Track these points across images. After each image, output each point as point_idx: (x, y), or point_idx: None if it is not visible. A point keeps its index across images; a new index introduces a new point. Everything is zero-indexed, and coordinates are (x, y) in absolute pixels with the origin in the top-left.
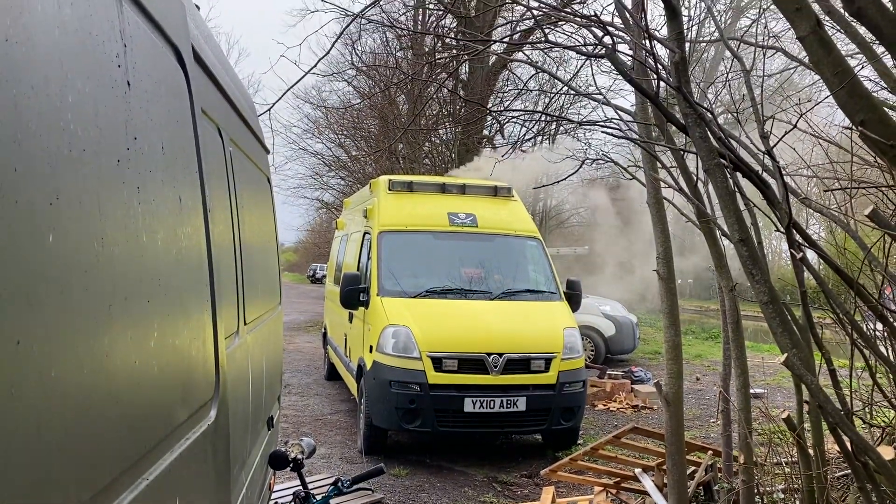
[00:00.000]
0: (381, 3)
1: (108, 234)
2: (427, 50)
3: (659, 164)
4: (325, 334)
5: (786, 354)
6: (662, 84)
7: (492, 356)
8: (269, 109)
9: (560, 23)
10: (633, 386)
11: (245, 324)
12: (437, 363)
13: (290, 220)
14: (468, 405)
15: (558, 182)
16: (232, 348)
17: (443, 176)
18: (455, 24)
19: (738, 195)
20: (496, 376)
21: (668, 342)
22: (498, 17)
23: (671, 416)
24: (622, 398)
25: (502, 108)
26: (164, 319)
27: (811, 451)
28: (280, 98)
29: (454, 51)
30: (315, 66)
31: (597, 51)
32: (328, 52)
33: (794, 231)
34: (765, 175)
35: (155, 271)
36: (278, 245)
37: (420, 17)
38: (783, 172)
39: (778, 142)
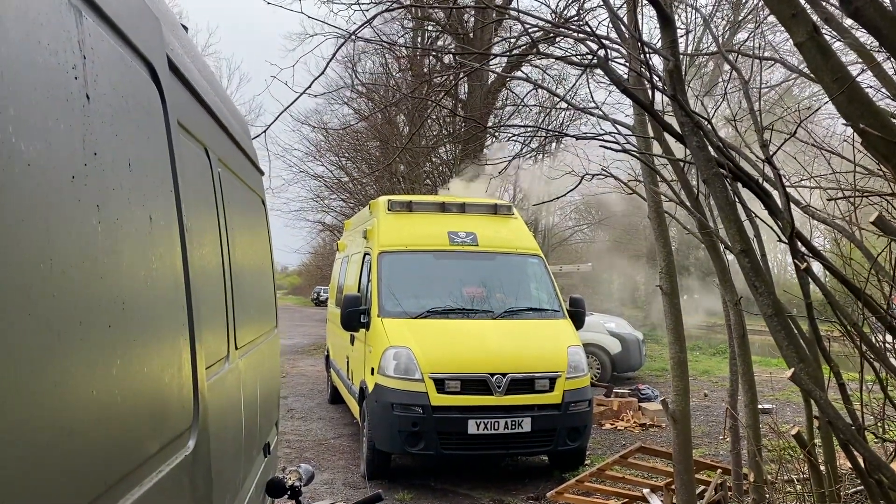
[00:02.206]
0: (374, 24)
1: (58, 254)
2: (426, 70)
3: (659, 178)
4: (327, 357)
5: (792, 369)
6: (659, 95)
7: (495, 376)
8: (264, 131)
9: (557, 39)
10: (640, 404)
11: (236, 348)
12: (440, 385)
13: (293, 244)
14: (472, 427)
15: (558, 198)
16: (221, 374)
17: (441, 194)
18: (452, 45)
19: (738, 205)
20: (500, 397)
21: (674, 359)
22: (495, 36)
23: (678, 434)
24: (629, 417)
25: (500, 124)
26: (128, 346)
27: (823, 468)
28: (275, 120)
29: (452, 69)
30: (310, 86)
31: (591, 62)
32: (322, 72)
33: (798, 241)
34: (766, 185)
35: (118, 295)
36: (274, 268)
37: (419, 39)
38: (784, 181)
39: (777, 150)
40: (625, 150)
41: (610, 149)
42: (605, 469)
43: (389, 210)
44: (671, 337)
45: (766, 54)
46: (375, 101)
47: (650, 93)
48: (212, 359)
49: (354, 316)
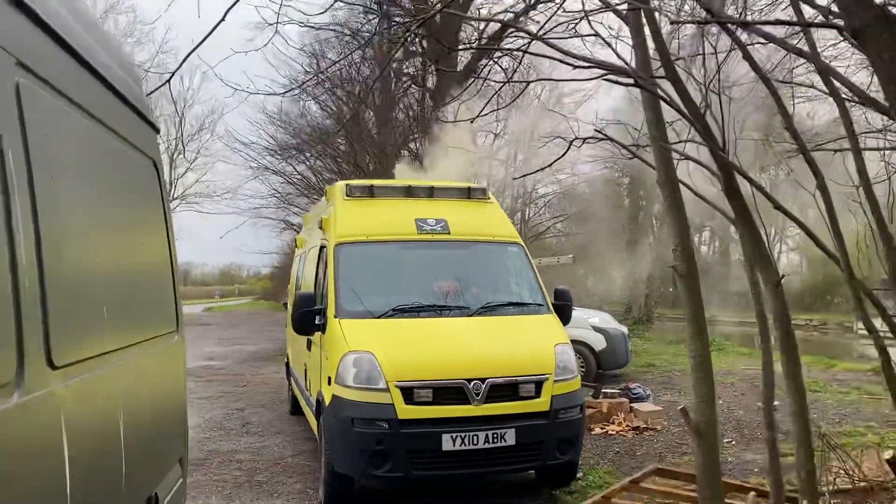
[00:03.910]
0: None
1: None
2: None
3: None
4: (287, 364)
5: None
6: None
7: (472, 382)
8: (167, 81)
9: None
10: (631, 405)
11: (54, 368)
12: (408, 394)
13: (259, 244)
14: (447, 442)
15: (544, 169)
16: (5, 407)
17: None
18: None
19: None
20: (479, 406)
21: (695, 356)
22: (463, 24)
23: (704, 451)
24: (621, 419)
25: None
26: None
27: None
28: (181, 65)
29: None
30: (229, 9)
31: None
32: (235, 3)
33: None
34: None
35: None
36: (174, 257)
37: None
38: None
39: None
40: (637, 82)
41: (617, 81)
42: (611, 497)
43: (348, 196)
44: (691, 329)
45: None
46: (341, 96)
47: None
48: None
49: (308, 317)
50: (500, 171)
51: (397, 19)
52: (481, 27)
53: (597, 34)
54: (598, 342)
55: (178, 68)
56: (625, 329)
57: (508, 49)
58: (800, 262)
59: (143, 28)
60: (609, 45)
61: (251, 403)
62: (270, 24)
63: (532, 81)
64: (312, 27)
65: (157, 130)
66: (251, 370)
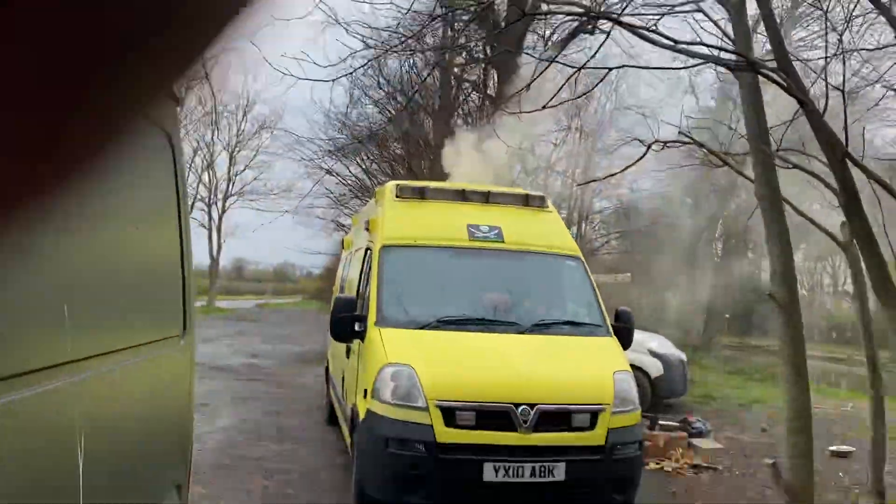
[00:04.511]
0: (403, 22)
1: None
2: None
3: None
4: (327, 370)
5: None
6: None
7: (521, 408)
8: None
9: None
10: (690, 440)
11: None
12: (449, 416)
13: (311, 244)
14: (489, 472)
15: (616, 175)
16: None
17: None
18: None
19: None
20: (526, 434)
21: (792, 404)
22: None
23: None
24: (679, 456)
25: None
26: None
27: None
28: None
29: (481, 60)
30: None
31: None
32: None
33: None
34: None
35: None
36: (186, 250)
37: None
38: None
39: None
40: (752, 66)
41: (720, 61)
42: None
43: (398, 197)
44: (789, 371)
45: None
46: (401, 100)
47: None
48: None
49: (346, 323)
50: (555, 183)
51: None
52: (552, 24)
53: (700, 10)
54: (655, 368)
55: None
56: (683, 356)
57: (596, 27)
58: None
59: None
60: (718, 26)
61: (288, 408)
62: (333, 22)
63: (617, 68)
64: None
65: (178, 101)
66: (293, 372)
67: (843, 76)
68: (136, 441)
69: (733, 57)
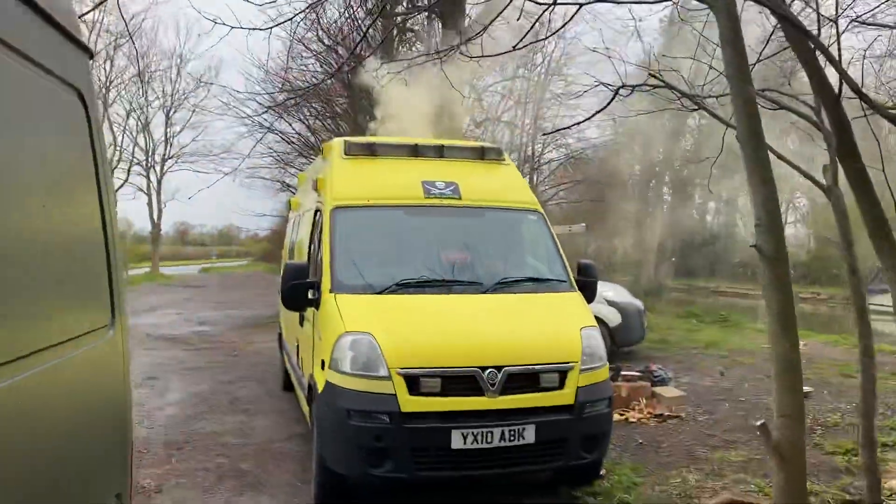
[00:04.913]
0: None
1: None
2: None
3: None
4: (280, 335)
5: None
6: None
7: (487, 371)
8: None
9: None
10: (653, 389)
11: None
12: (413, 383)
13: (255, 206)
14: (457, 440)
15: (581, 123)
16: None
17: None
18: None
19: None
20: (494, 398)
21: (781, 359)
22: None
23: (787, 478)
24: (643, 406)
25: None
26: None
27: None
28: None
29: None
30: None
31: None
32: None
33: None
34: None
35: None
36: (110, 223)
37: None
38: None
39: None
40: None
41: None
42: None
43: (347, 154)
44: (776, 324)
45: None
46: (342, 54)
47: None
48: None
49: (299, 291)
50: (504, 134)
51: None
52: None
53: None
54: (613, 317)
55: None
56: (640, 303)
57: None
58: (807, 235)
59: None
60: None
61: (241, 376)
62: None
63: (588, 3)
64: None
65: (90, 53)
66: (244, 338)
67: (836, 4)
68: (61, 456)
69: None
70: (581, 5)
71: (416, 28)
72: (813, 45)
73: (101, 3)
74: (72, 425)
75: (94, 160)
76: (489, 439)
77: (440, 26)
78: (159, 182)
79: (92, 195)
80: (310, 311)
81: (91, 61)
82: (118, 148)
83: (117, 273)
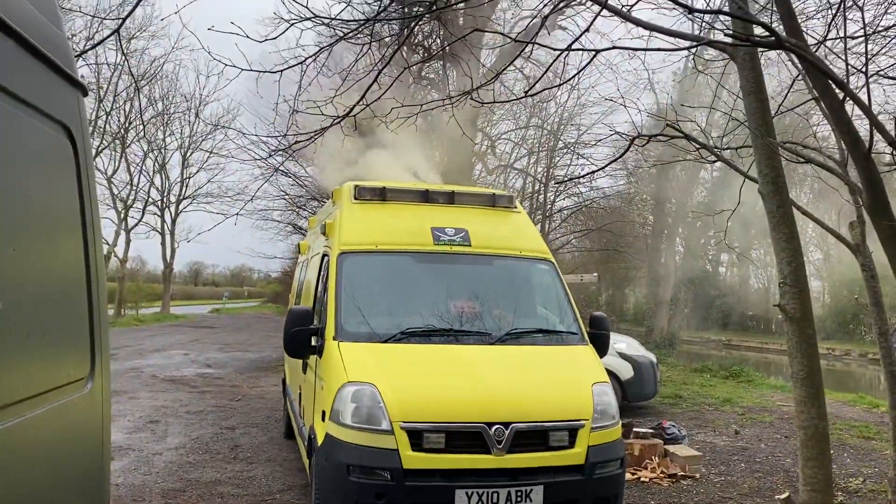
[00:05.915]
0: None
1: None
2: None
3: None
4: (284, 380)
5: None
6: None
7: (494, 427)
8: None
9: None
10: (665, 447)
11: None
12: (416, 438)
13: (268, 249)
14: (461, 499)
15: (594, 172)
16: None
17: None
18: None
19: None
20: (500, 456)
21: (807, 428)
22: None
23: None
24: (655, 465)
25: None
26: None
27: None
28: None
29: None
30: None
31: None
32: None
33: None
34: None
35: None
36: (94, 267)
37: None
38: None
39: None
40: (779, 43)
41: (726, 46)
42: None
43: (357, 198)
44: (802, 390)
45: None
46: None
47: None
48: None
49: (301, 337)
50: (516, 181)
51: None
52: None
53: None
54: (625, 371)
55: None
56: (653, 357)
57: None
58: (821, 288)
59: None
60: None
61: (244, 422)
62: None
63: (606, 49)
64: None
65: (84, 91)
66: (250, 381)
67: (867, 57)
68: None
69: (728, 39)
70: (596, 53)
71: (432, 76)
72: (843, 95)
73: (99, 43)
74: (46, 481)
75: (81, 199)
76: (495, 500)
77: (455, 75)
78: (174, 222)
79: (75, 235)
80: (312, 358)
81: (84, 97)
82: (134, 187)
83: (100, 319)
